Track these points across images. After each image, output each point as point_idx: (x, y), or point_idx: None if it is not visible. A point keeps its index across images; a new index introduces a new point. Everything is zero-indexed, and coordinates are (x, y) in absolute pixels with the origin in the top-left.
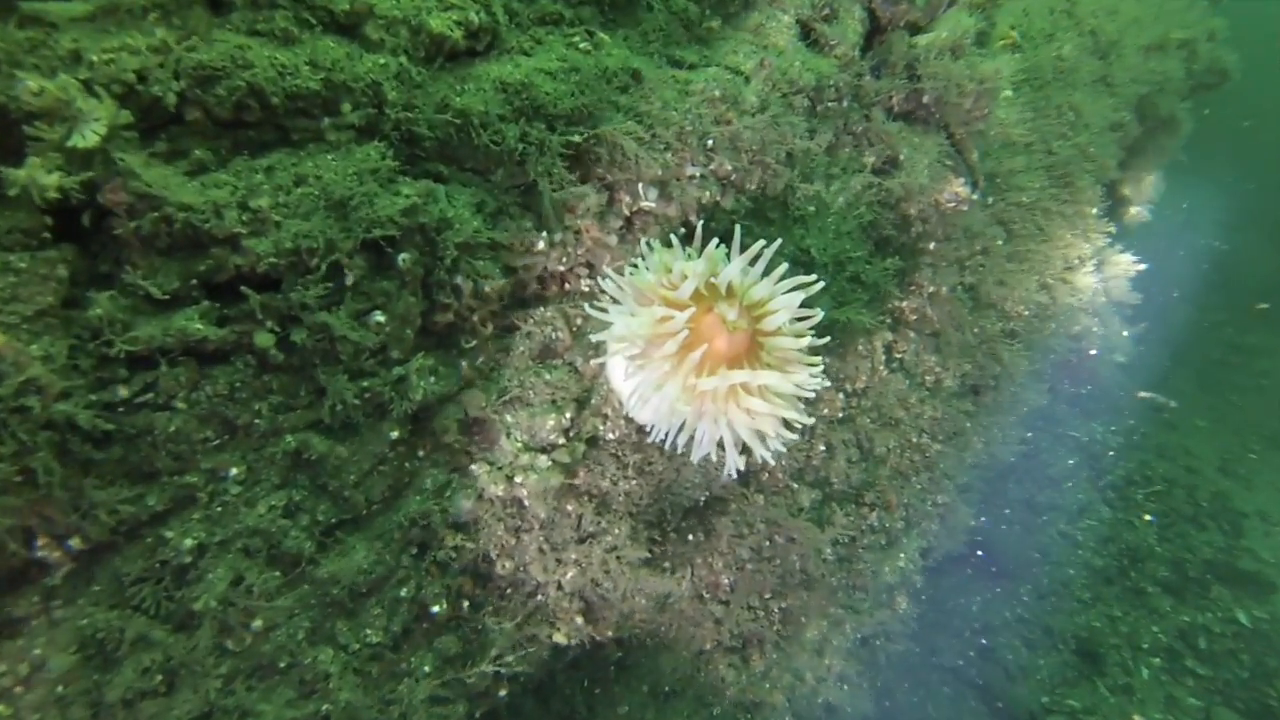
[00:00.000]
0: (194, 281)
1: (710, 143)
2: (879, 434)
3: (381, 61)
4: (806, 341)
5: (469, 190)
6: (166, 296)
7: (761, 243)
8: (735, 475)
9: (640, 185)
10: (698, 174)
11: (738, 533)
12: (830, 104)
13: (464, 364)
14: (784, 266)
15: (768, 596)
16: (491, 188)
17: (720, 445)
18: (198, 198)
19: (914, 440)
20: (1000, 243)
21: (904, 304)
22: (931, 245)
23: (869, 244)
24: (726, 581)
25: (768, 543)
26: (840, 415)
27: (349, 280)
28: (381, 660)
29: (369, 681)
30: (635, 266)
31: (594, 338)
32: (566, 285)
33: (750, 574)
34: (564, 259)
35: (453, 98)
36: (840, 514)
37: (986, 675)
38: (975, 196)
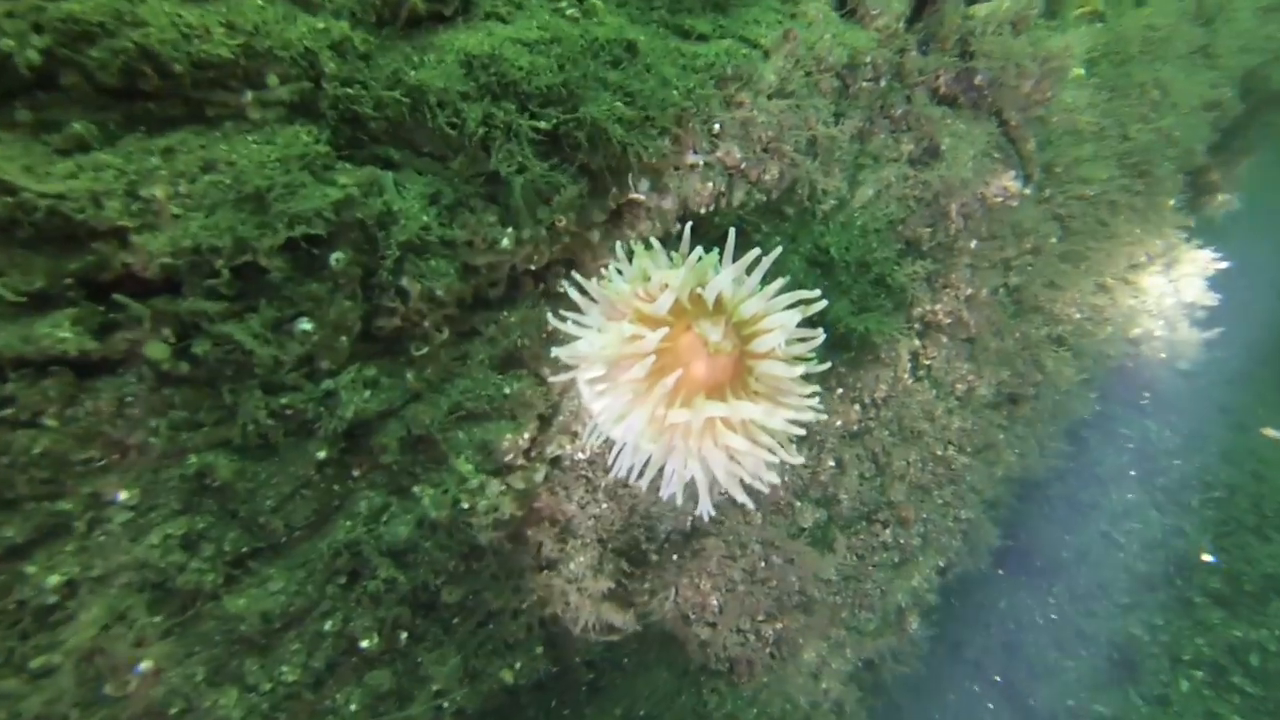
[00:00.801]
0: (68, 281)
1: (717, 127)
2: (898, 448)
3: (320, 26)
4: (802, 369)
5: (424, 179)
6: (23, 299)
7: (756, 251)
8: (708, 517)
9: (630, 174)
10: (700, 162)
11: (729, 554)
12: (865, 84)
13: (410, 375)
14: (782, 280)
15: (760, 619)
16: (451, 176)
17: (692, 484)
18: (66, 183)
19: (938, 453)
20: (1054, 240)
21: (936, 307)
22: (973, 244)
23: (898, 243)
24: (715, 602)
25: (763, 564)
26: (855, 428)
27: (271, 283)
28: (298, 700)
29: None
30: (614, 271)
31: (555, 352)
32: (542, 285)
33: (742, 595)
34: (535, 257)
35: (406, 72)
36: (847, 533)
37: (1009, 672)
38: (1027, 191)
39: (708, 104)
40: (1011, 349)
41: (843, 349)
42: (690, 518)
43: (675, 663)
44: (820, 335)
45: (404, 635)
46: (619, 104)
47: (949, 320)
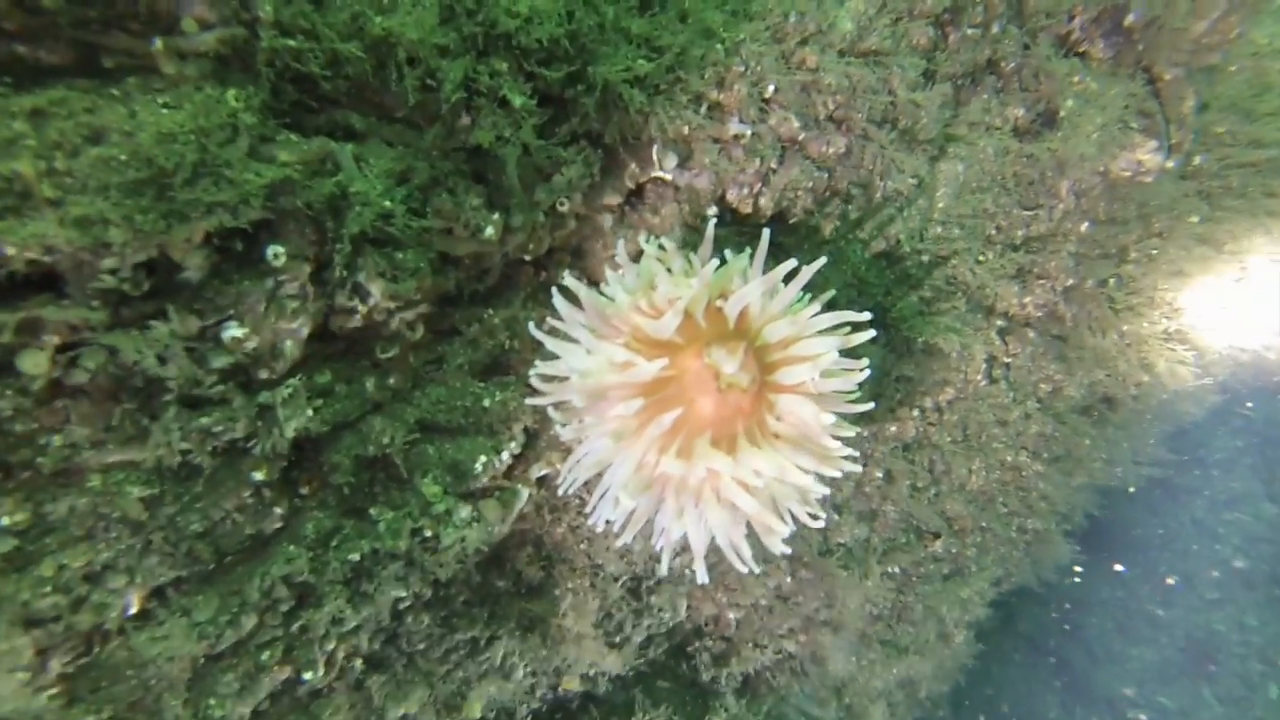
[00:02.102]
0: None
1: (772, 89)
2: (960, 455)
3: None
4: (834, 416)
5: (392, 153)
6: None
7: (792, 262)
8: (705, 582)
9: (655, 147)
10: (746, 133)
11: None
12: (970, 31)
13: (371, 382)
14: (827, 295)
15: (783, 634)
16: (428, 149)
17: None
18: None
19: (1007, 459)
20: (1195, 220)
21: (1026, 300)
22: (1084, 227)
23: (987, 230)
24: (732, 617)
25: (789, 579)
26: (911, 436)
27: (190, 281)
28: None
29: None
30: (614, 277)
31: (532, 375)
32: (544, 275)
33: (764, 611)
34: (532, 245)
35: (369, 18)
36: (891, 548)
37: (1065, 651)
38: (1169, 164)
39: (760, 62)
40: (1113, 347)
41: (905, 355)
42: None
43: (682, 675)
44: (865, 369)
45: (359, 664)
46: (641, 61)
47: (1040, 314)
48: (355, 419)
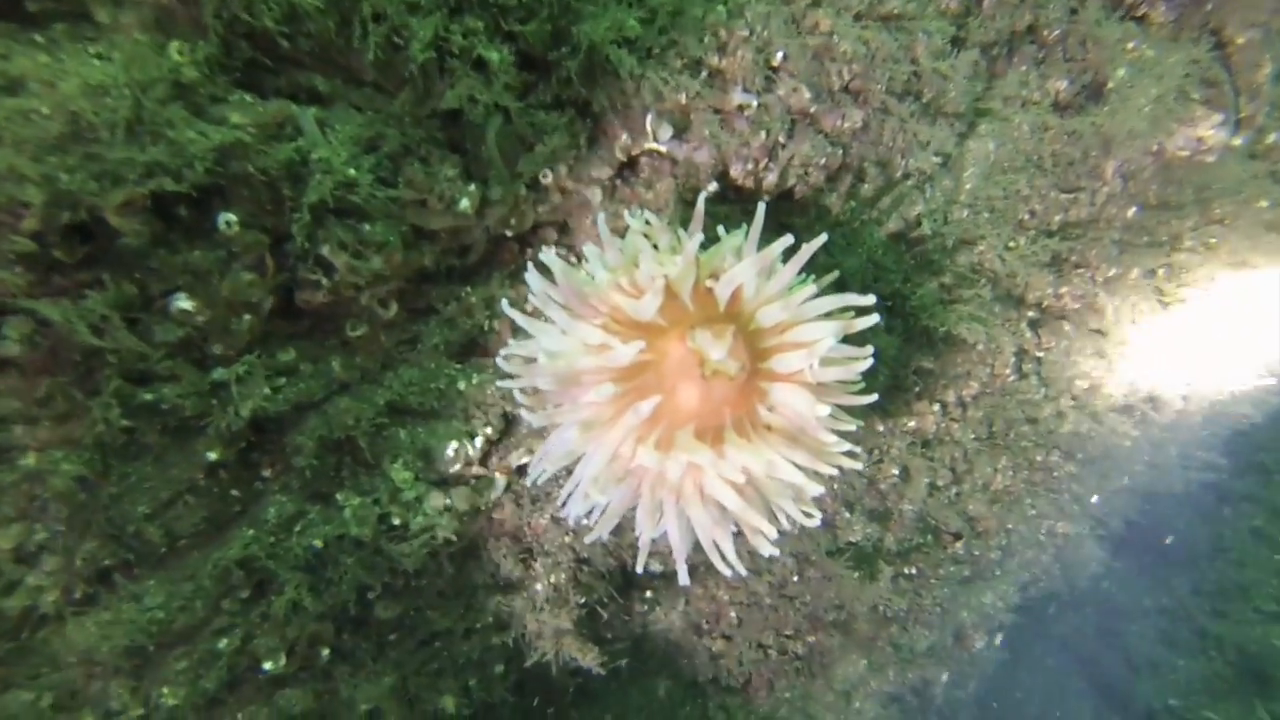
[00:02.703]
0: None
1: (780, 56)
2: (984, 454)
3: None
4: (829, 408)
5: (360, 119)
6: None
7: (789, 238)
8: (686, 584)
9: (648, 116)
10: (752, 104)
11: (753, 566)
12: None
13: (337, 362)
14: (831, 276)
15: (788, 633)
16: (400, 115)
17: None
18: None
19: (1036, 459)
20: (1264, 205)
21: (1062, 291)
22: (1130, 212)
23: (1019, 214)
24: (733, 615)
25: (795, 578)
26: (932, 433)
27: (127, 250)
28: None
29: None
30: (593, 252)
31: (500, 356)
32: (529, 252)
33: (766, 610)
34: (513, 220)
35: None
36: (905, 548)
37: (1102, 658)
38: (1236, 142)
39: (766, 25)
40: (1160, 343)
41: (925, 346)
42: None
43: (680, 673)
44: (869, 357)
45: (325, 652)
46: (631, 21)
47: (1077, 307)
48: (320, 400)
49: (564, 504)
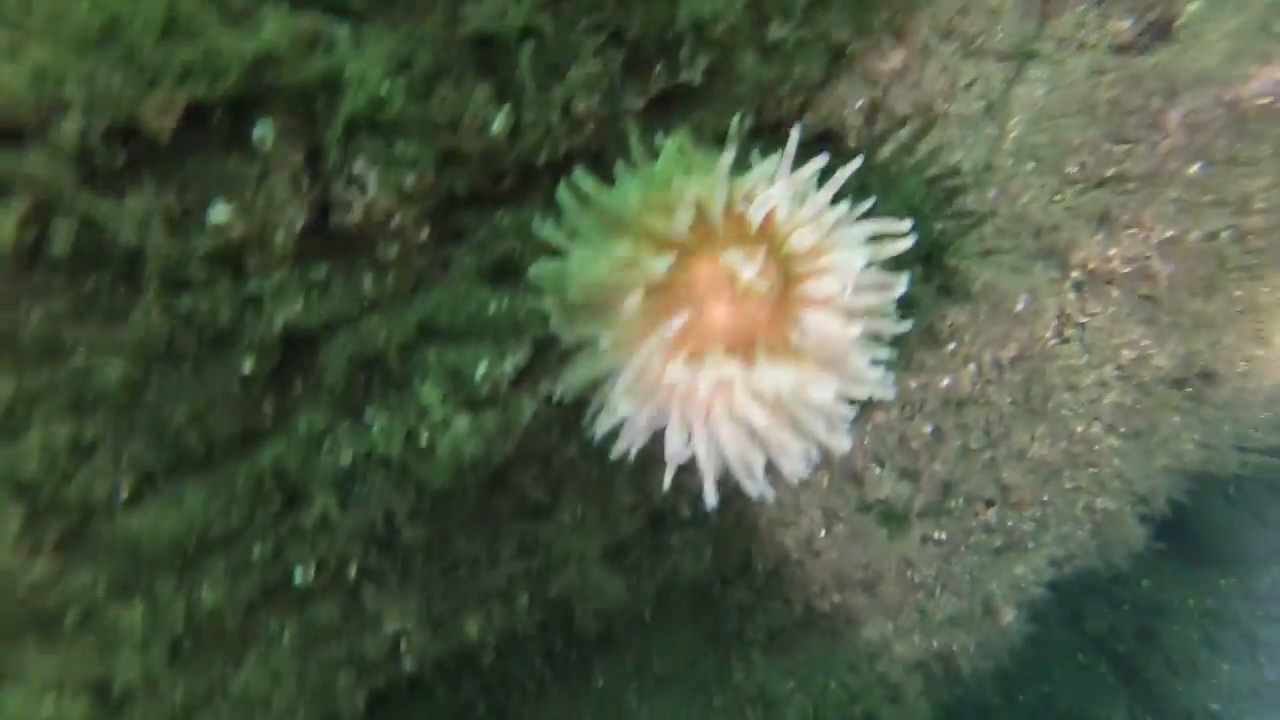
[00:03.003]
0: None
1: None
2: (1021, 420)
3: None
4: (860, 328)
5: (394, 37)
6: None
7: (823, 159)
8: (714, 505)
9: (684, 47)
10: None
11: (781, 518)
12: None
13: (369, 280)
14: (867, 203)
15: (815, 590)
16: (432, 36)
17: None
18: None
19: (1077, 430)
20: None
21: (1111, 253)
22: (1193, 169)
23: (1068, 167)
24: (760, 568)
25: (823, 533)
26: (967, 391)
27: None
28: (219, 624)
29: (199, 644)
30: (624, 172)
31: (531, 272)
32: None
33: (794, 565)
34: (546, 149)
35: None
36: (936, 510)
37: (1138, 656)
38: None
39: None
40: (1219, 314)
41: (962, 299)
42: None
43: (704, 623)
44: (902, 283)
45: (353, 570)
46: None
47: (1127, 270)
48: (351, 317)
49: (591, 420)
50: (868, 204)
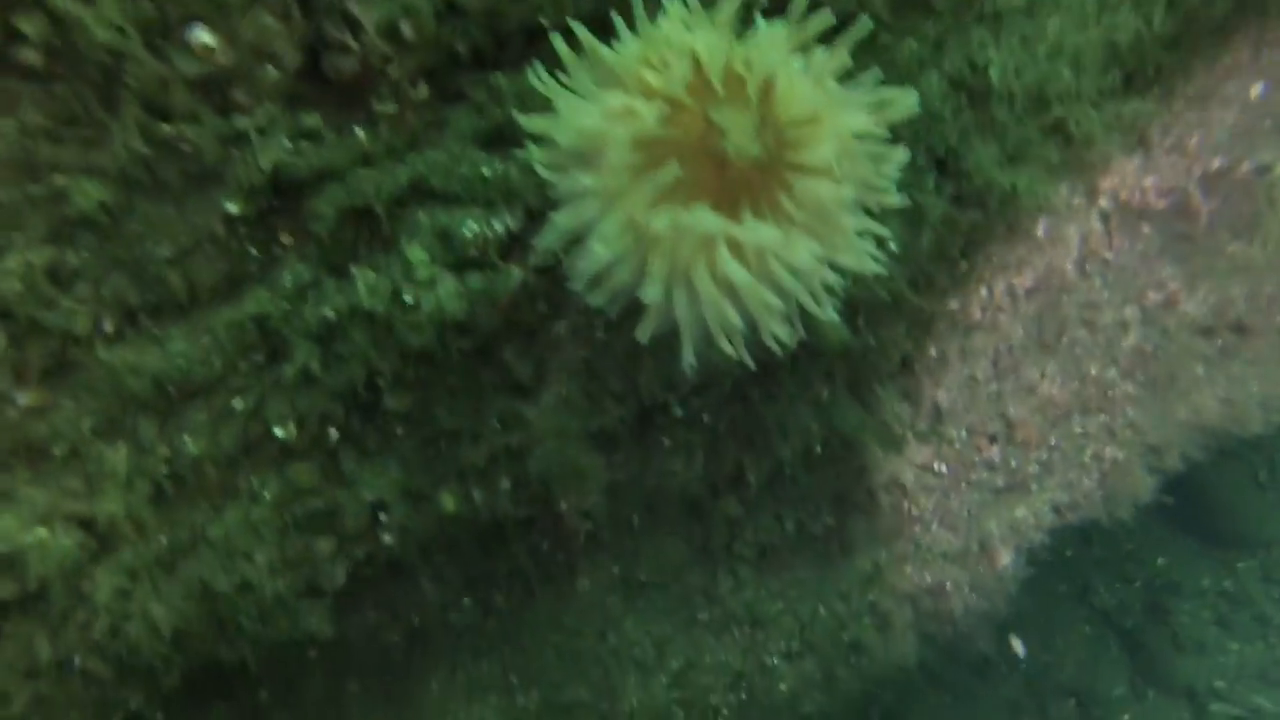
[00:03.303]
0: None
1: None
2: (1032, 353)
3: None
4: (850, 189)
5: None
6: None
7: (828, 17)
8: (692, 364)
9: None
10: None
11: (781, 425)
12: None
13: (363, 133)
14: (870, 73)
15: (809, 510)
16: None
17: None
18: None
19: (1091, 371)
20: None
21: (1147, 181)
22: (1256, 90)
23: (1111, 76)
24: (752, 479)
25: (819, 447)
26: (976, 318)
27: None
28: (201, 473)
29: (182, 490)
30: (623, 26)
31: (521, 119)
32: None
33: (787, 480)
34: (552, 6)
35: None
36: (935, 437)
37: (1145, 631)
38: None
39: None
40: (1263, 260)
41: (978, 216)
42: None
43: (693, 535)
44: (903, 154)
45: (334, 433)
46: None
47: (1164, 204)
48: (342, 170)
49: (567, 262)
50: (871, 75)
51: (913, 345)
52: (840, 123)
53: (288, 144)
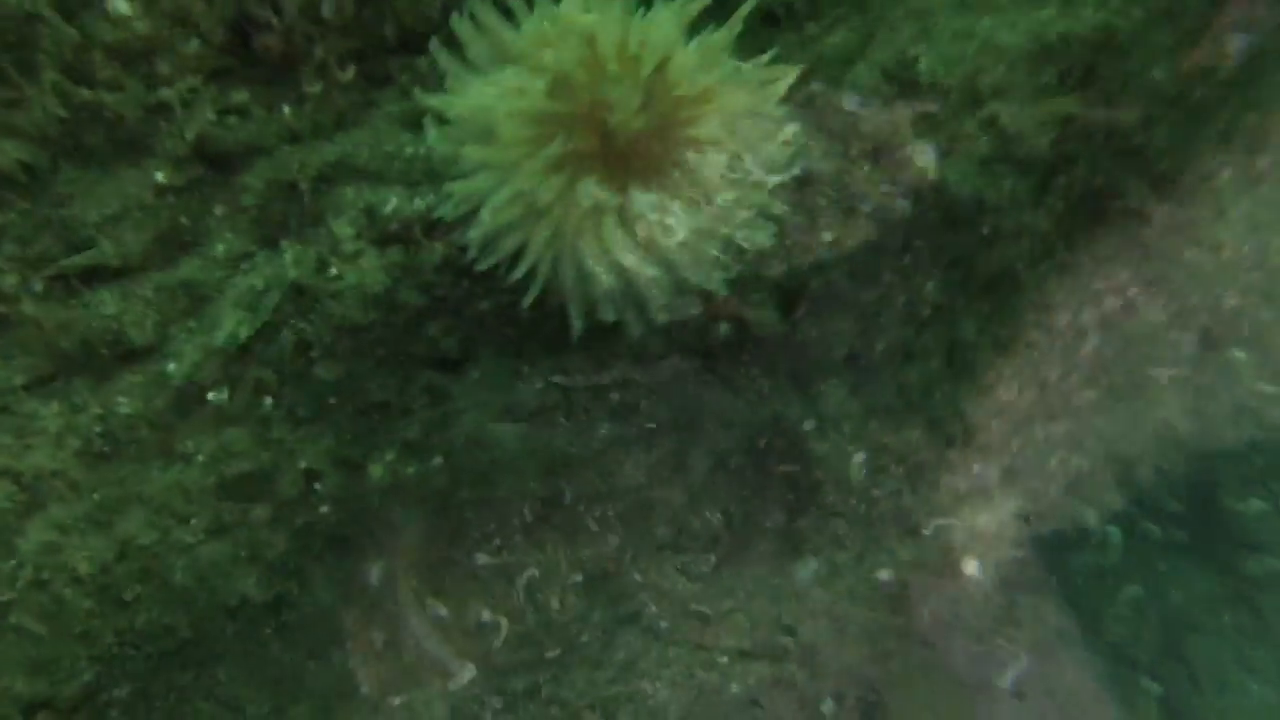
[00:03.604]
0: None
1: None
2: (985, 351)
3: None
4: (748, 171)
5: None
6: None
7: None
8: (579, 330)
9: None
10: None
11: (722, 418)
12: None
13: (289, 110)
14: (768, 54)
15: (750, 498)
16: None
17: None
18: None
19: (1050, 378)
20: None
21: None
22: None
23: (1048, 75)
24: (699, 466)
25: (763, 443)
26: (928, 312)
27: None
28: (134, 433)
29: (116, 449)
30: (520, 6)
31: (421, 97)
32: None
33: (733, 473)
34: None
35: None
36: (886, 442)
37: (1160, 668)
38: None
39: None
40: (1224, 266)
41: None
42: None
43: (632, 524)
44: (791, 131)
45: (268, 400)
46: None
47: (1120, 205)
48: (271, 145)
49: (459, 233)
50: (769, 54)
51: (860, 342)
52: (730, 99)
53: (212, 117)
